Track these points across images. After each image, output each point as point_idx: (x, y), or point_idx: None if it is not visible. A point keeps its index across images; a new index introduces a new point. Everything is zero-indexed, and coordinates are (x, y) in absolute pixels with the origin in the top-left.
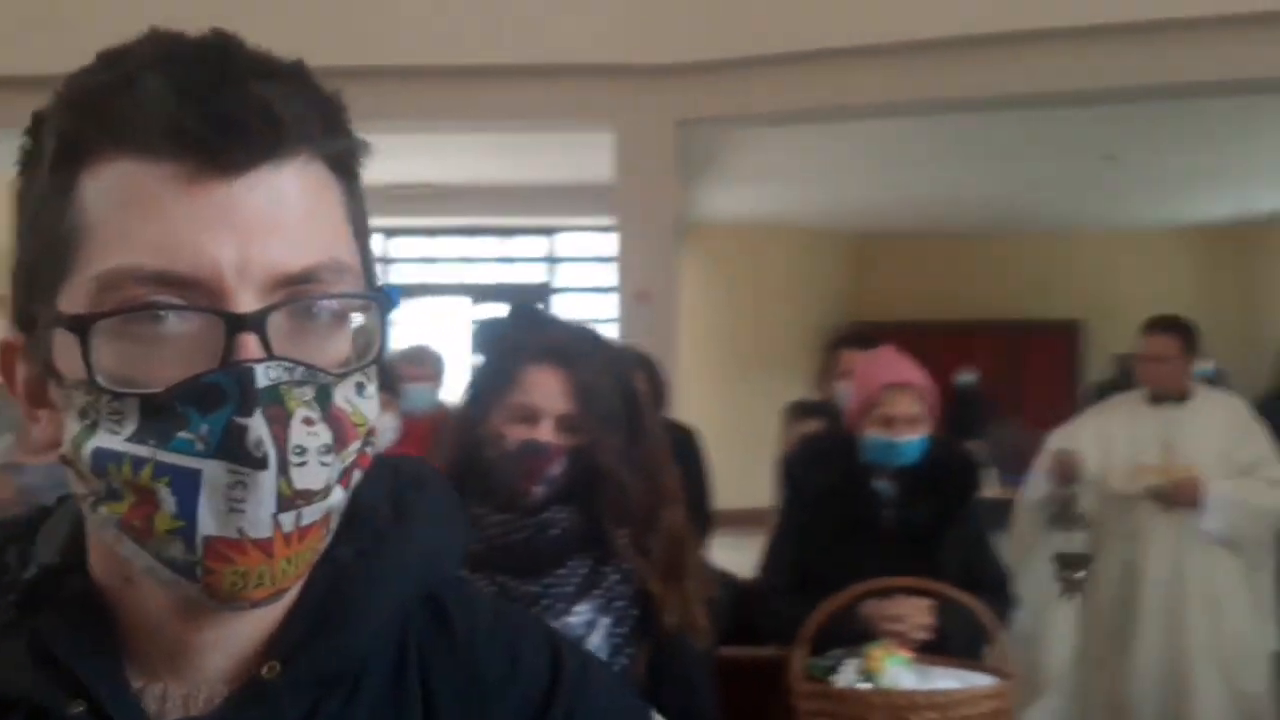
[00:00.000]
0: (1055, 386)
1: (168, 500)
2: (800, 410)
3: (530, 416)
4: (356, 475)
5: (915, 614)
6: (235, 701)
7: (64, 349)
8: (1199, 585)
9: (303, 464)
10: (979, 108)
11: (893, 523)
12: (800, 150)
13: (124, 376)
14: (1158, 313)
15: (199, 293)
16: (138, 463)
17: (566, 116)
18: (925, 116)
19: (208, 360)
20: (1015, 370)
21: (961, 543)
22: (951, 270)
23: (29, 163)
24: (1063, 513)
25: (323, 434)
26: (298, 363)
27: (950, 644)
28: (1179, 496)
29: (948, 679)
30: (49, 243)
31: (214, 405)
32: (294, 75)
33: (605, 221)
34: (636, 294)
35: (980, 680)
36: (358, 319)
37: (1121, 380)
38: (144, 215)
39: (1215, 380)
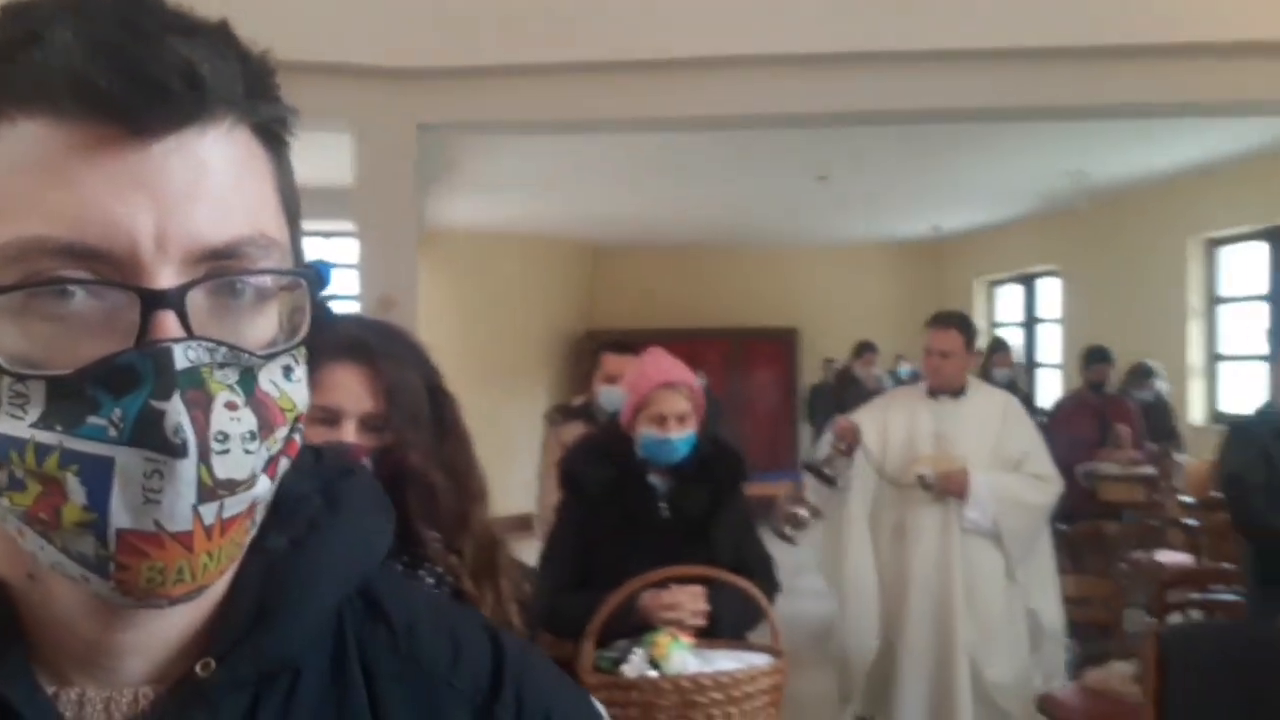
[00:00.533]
0: (776, 389)
1: (76, 491)
2: (562, 413)
3: (331, 418)
4: (284, 464)
5: (690, 601)
6: (169, 703)
7: None
8: (961, 575)
9: (225, 451)
10: (699, 127)
11: (668, 515)
12: (538, 160)
13: (29, 357)
14: (942, 310)
15: (112, 267)
16: (43, 450)
17: (303, 116)
18: (653, 133)
19: (122, 340)
20: (739, 374)
21: (733, 528)
22: (680, 280)
23: None
24: (827, 466)
25: (247, 419)
26: (220, 343)
27: (722, 626)
28: (947, 487)
29: (727, 660)
30: None
31: (128, 388)
32: (218, 34)
33: (345, 226)
34: (380, 300)
35: (757, 659)
36: (285, 298)
37: (835, 383)
38: (51, 182)
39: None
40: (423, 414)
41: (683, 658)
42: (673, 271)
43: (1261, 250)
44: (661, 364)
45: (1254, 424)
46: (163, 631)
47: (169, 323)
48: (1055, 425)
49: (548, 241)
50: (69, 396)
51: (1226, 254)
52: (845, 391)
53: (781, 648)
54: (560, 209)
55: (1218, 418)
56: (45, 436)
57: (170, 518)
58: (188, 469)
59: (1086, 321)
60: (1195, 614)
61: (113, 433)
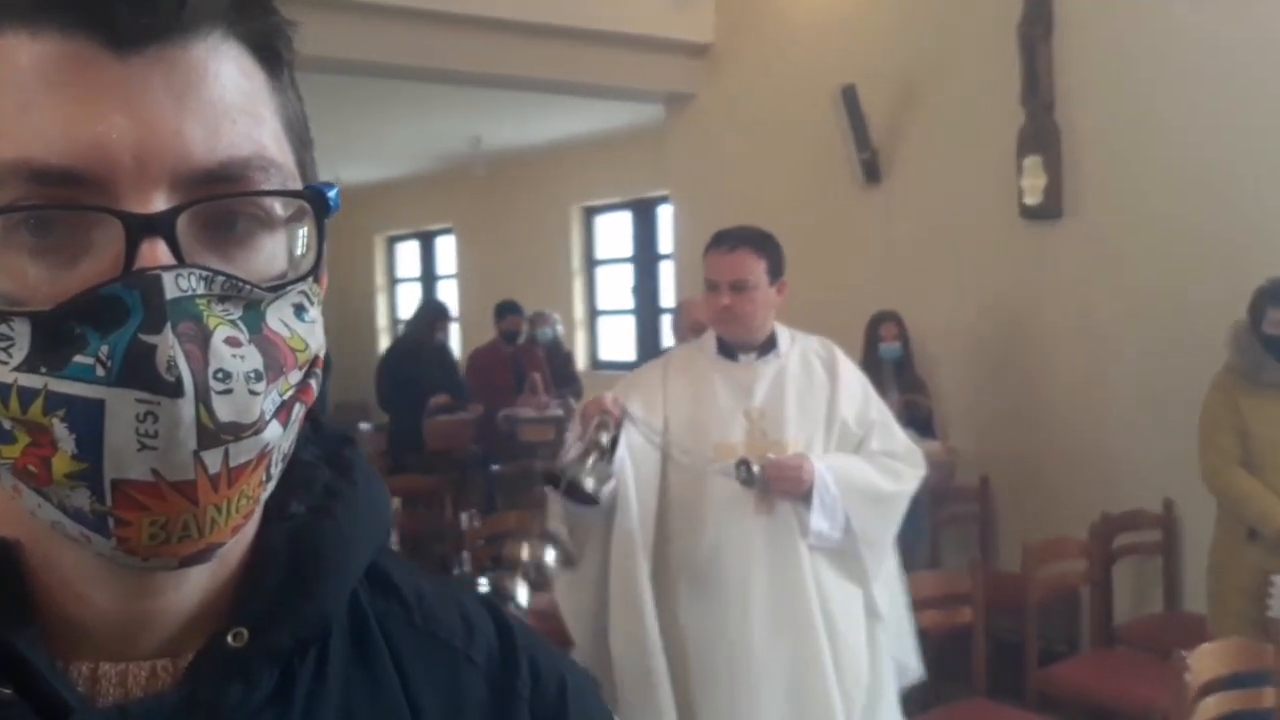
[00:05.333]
0: None
1: (65, 439)
2: None
3: None
4: (298, 411)
5: None
6: (200, 675)
7: None
8: (823, 626)
9: (227, 391)
10: None
11: None
12: None
13: (10, 295)
14: (725, 228)
15: (93, 192)
16: (27, 395)
17: None
18: None
19: (109, 274)
20: None
21: None
22: None
23: None
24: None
25: (252, 357)
26: (217, 272)
27: None
28: (778, 482)
29: None
30: None
31: (115, 322)
32: None
33: None
34: None
35: None
36: (294, 229)
37: None
38: (23, 102)
39: None
40: None
41: None
42: None
43: (626, 218)
44: None
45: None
46: (180, 601)
47: (157, 250)
48: (473, 375)
49: None
50: (54, 335)
51: (601, 221)
52: None
53: None
54: None
55: (598, 364)
56: (29, 380)
57: (169, 465)
58: (184, 410)
59: (481, 278)
60: None
61: (100, 372)
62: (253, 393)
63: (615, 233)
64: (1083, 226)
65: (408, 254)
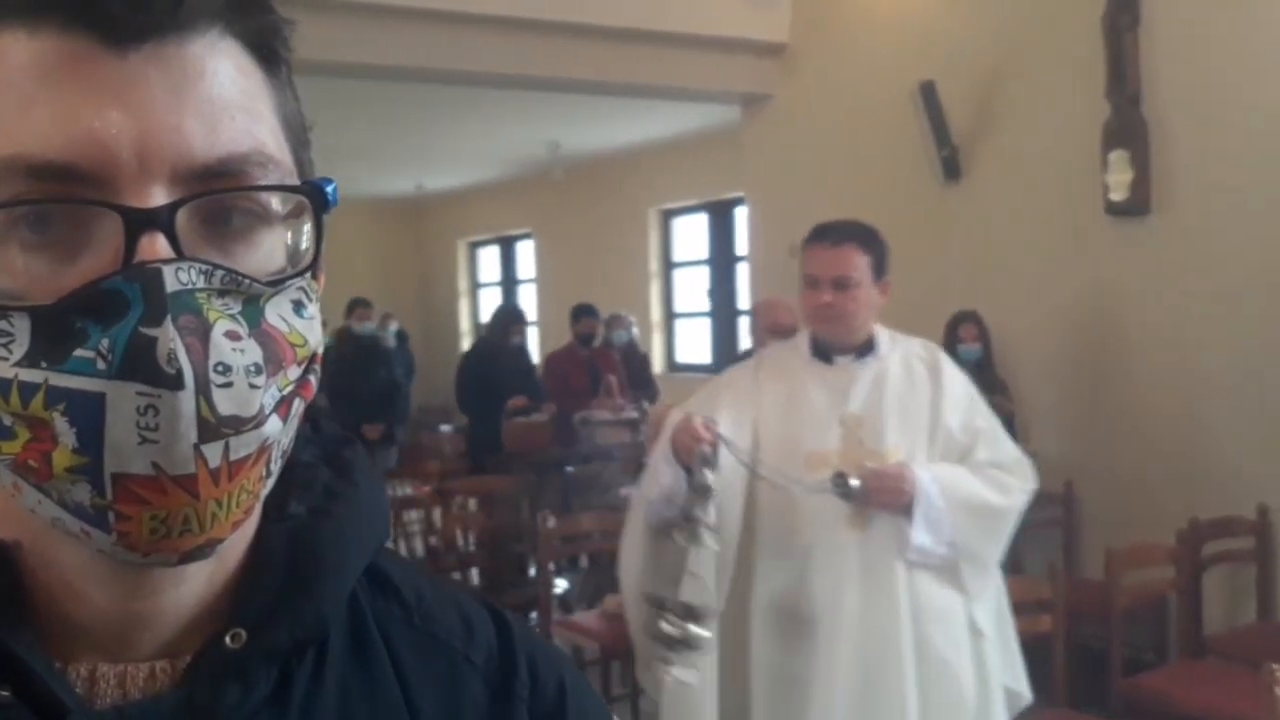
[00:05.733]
0: None
1: (66, 433)
2: None
3: None
4: (298, 406)
5: None
6: (198, 676)
7: None
8: (913, 655)
9: (228, 385)
10: None
11: None
12: None
13: (9, 289)
14: (826, 221)
15: (92, 187)
16: (27, 390)
17: None
18: None
19: (109, 268)
20: None
21: None
22: None
23: None
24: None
25: (252, 351)
26: (217, 266)
27: None
28: (879, 493)
29: None
30: None
31: (116, 316)
32: None
33: None
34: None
35: None
36: (292, 225)
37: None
38: (21, 99)
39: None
40: None
41: None
42: None
43: (703, 221)
44: None
45: None
46: (179, 601)
47: (157, 244)
48: (549, 377)
49: None
50: (53, 329)
51: (678, 223)
52: (345, 348)
53: None
54: None
55: (675, 367)
56: (29, 374)
57: (170, 459)
58: (185, 403)
59: (559, 282)
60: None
61: (101, 365)
62: (253, 386)
63: (692, 235)
64: (1172, 222)
65: (489, 259)
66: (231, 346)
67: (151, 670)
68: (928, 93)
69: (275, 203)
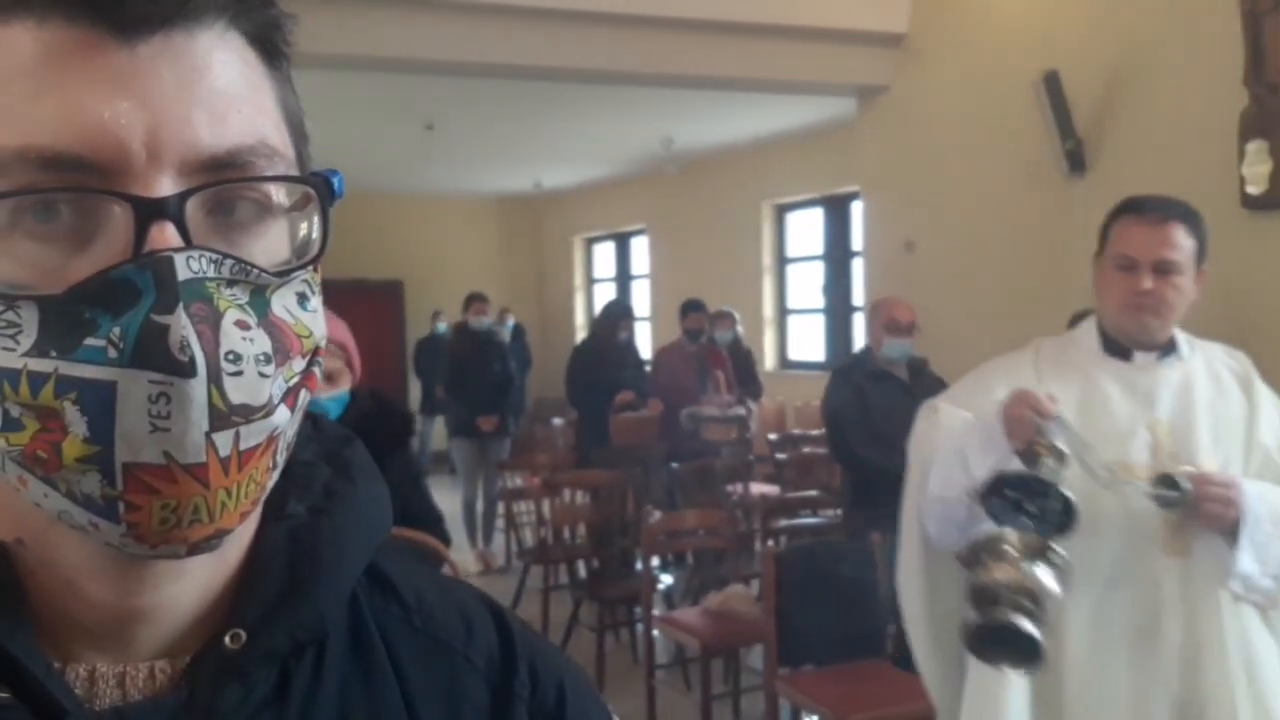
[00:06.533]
0: (383, 343)
1: (76, 422)
2: None
3: None
4: (304, 397)
5: None
6: (198, 677)
7: None
8: (1247, 692)
9: (238, 373)
10: (301, 65)
11: None
12: None
13: (17, 281)
14: (1137, 195)
15: (102, 177)
16: (37, 379)
17: None
18: None
19: (118, 257)
20: (350, 326)
21: (400, 486)
22: None
23: None
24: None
25: (261, 341)
26: (226, 255)
27: None
28: (1206, 504)
29: None
30: None
31: (127, 305)
32: None
33: None
34: None
35: None
36: (296, 217)
37: (454, 335)
38: (32, 90)
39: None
40: None
41: None
42: None
43: (817, 215)
44: None
45: (852, 367)
46: (179, 597)
47: (168, 233)
48: (658, 372)
49: None
50: (63, 319)
51: (792, 218)
52: (462, 342)
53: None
54: None
55: (787, 364)
56: (39, 364)
57: (181, 448)
58: (197, 390)
59: (673, 277)
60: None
61: (112, 353)
62: (262, 375)
63: (806, 230)
64: None
65: (604, 255)
66: (241, 335)
67: (151, 671)
68: (1051, 83)
69: (279, 195)
